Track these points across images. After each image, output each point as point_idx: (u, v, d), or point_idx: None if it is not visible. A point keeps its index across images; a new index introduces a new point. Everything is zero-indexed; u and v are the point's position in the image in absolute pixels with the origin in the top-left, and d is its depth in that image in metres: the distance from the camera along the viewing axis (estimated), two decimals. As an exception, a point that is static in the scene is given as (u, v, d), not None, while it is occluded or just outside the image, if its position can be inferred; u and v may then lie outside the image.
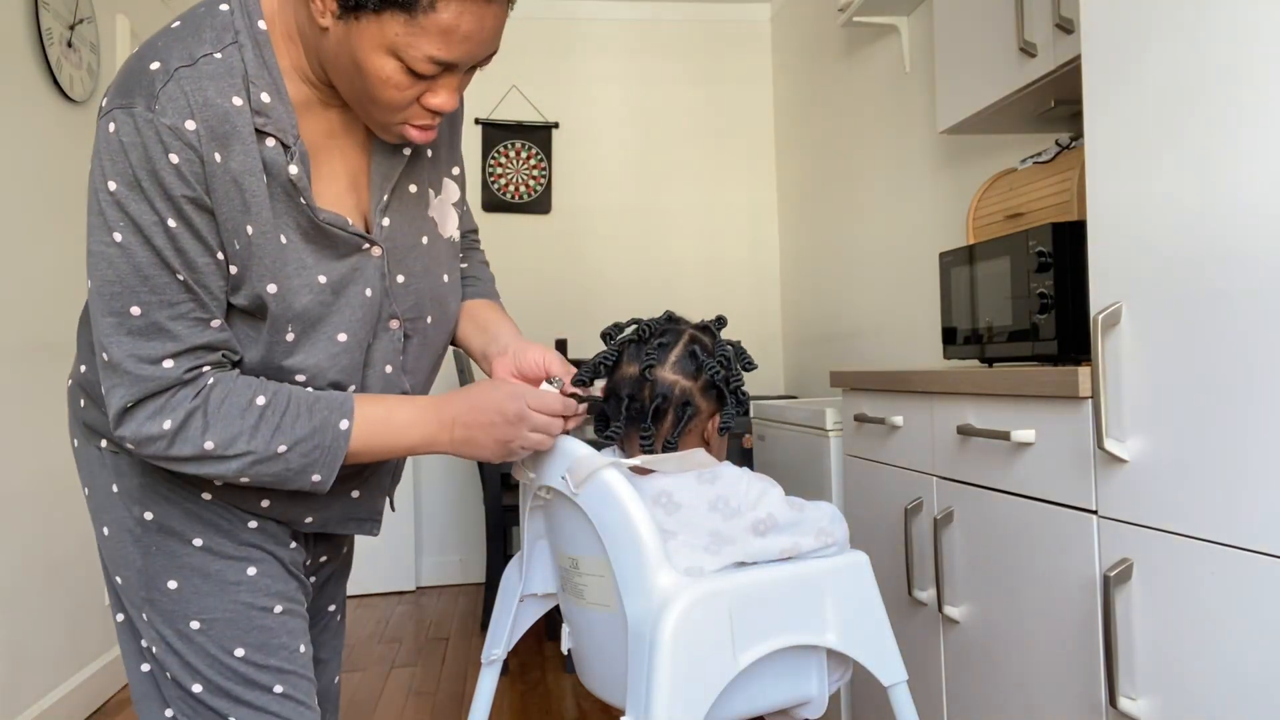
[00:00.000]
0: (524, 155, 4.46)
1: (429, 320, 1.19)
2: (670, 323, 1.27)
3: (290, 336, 1.06)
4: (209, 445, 1.00)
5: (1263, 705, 1.02)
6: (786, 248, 4.55)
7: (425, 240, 1.17)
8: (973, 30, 2.06)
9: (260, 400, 1.02)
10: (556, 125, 4.47)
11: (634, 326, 1.26)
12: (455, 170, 1.25)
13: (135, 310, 0.97)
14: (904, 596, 1.85)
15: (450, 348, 1.40)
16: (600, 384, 1.25)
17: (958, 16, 2.13)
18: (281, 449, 1.02)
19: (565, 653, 1.39)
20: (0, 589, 2.46)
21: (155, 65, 0.96)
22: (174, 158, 0.95)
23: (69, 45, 2.88)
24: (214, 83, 0.97)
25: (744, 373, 1.27)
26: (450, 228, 1.22)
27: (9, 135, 2.57)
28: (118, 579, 1.13)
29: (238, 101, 0.98)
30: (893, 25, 3.09)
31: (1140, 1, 1.16)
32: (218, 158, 0.97)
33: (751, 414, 2.95)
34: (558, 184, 4.53)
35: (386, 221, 1.12)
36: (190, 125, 0.95)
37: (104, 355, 0.99)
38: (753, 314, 4.65)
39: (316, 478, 1.05)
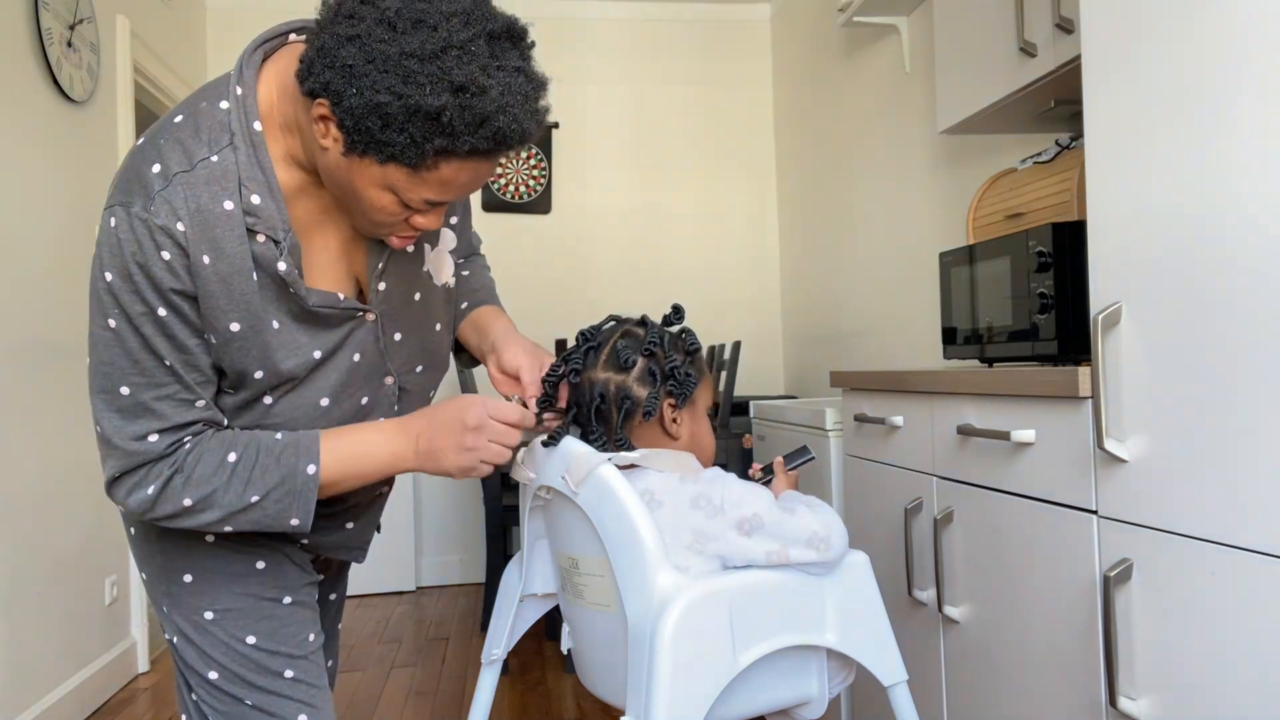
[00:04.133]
0: (524, 155, 4.46)
1: (419, 370, 1.26)
2: (609, 324, 1.28)
3: (269, 401, 1.13)
4: (188, 502, 1.07)
5: (1263, 705, 1.02)
6: (786, 248, 4.55)
7: (419, 296, 1.23)
8: (973, 30, 2.06)
9: (231, 457, 1.08)
10: (556, 125, 4.47)
11: (609, 325, 1.28)
12: (453, 219, 1.30)
13: (124, 390, 1.05)
14: (904, 596, 1.85)
15: (457, 370, 1.45)
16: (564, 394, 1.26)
17: (958, 16, 2.13)
18: (255, 499, 1.08)
19: (565, 653, 1.39)
20: (0, 589, 2.46)
21: (156, 169, 1.02)
22: (165, 254, 1.01)
23: (69, 45, 2.88)
24: (208, 188, 1.02)
25: (689, 351, 1.27)
26: (446, 274, 1.27)
27: (9, 135, 2.57)
28: (143, 574, 1.22)
29: (229, 205, 1.03)
30: (893, 25, 3.09)
31: (1140, 1, 1.16)
32: (206, 260, 1.03)
33: (751, 414, 2.94)
34: (558, 184, 4.53)
35: (383, 286, 1.17)
36: (180, 227, 1.01)
37: (97, 428, 1.07)
38: (753, 314, 4.65)
39: (295, 521, 1.11)
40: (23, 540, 2.58)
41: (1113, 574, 1.20)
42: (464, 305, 1.38)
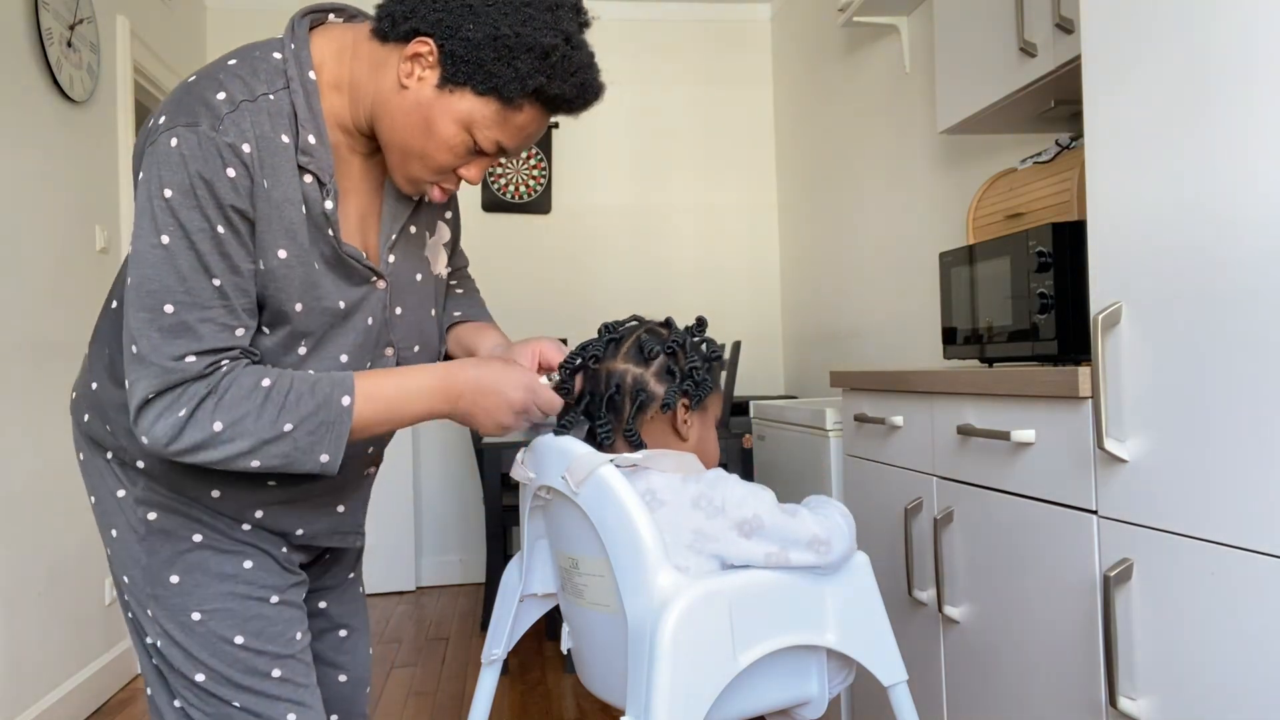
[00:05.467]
0: (524, 155, 4.46)
1: (416, 349, 1.28)
2: (633, 321, 1.30)
3: (303, 350, 1.15)
4: (217, 427, 1.05)
5: (1263, 705, 1.02)
6: (786, 248, 4.55)
7: (419, 278, 1.27)
8: (973, 30, 2.06)
9: (266, 382, 1.08)
10: (556, 125, 4.47)
11: (632, 323, 1.28)
12: (449, 214, 1.34)
13: (169, 309, 1.04)
14: (904, 596, 1.85)
15: None
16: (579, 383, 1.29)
17: (958, 16, 2.13)
18: (287, 427, 1.07)
19: (565, 653, 1.39)
20: (0, 589, 2.46)
21: (221, 95, 1.06)
22: (231, 171, 1.04)
23: (69, 45, 2.88)
24: (270, 119, 1.08)
25: (709, 358, 1.28)
26: (440, 266, 1.32)
27: (9, 135, 2.57)
28: (125, 578, 1.19)
29: (285, 139, 1.09)
30: (893, 25, 3.09)
31: (1140, 1, 1.16)
32: (265, 184, 1.07)
33: (751, 414, 2.95)
34: (558, 184, 4.53)
35: (392, 258, 1.22)
36: (247, 149, 1.05)
37: (133, 348, 1.06)
38: (753, 314, 4.65)
39: (324, 457, 1.10)
40: (23, 540, 2.58)
41: (1113, 574, 1.20)
42: (457, 314, 1.40)
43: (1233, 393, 1.04)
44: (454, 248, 1.37)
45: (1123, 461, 1.20)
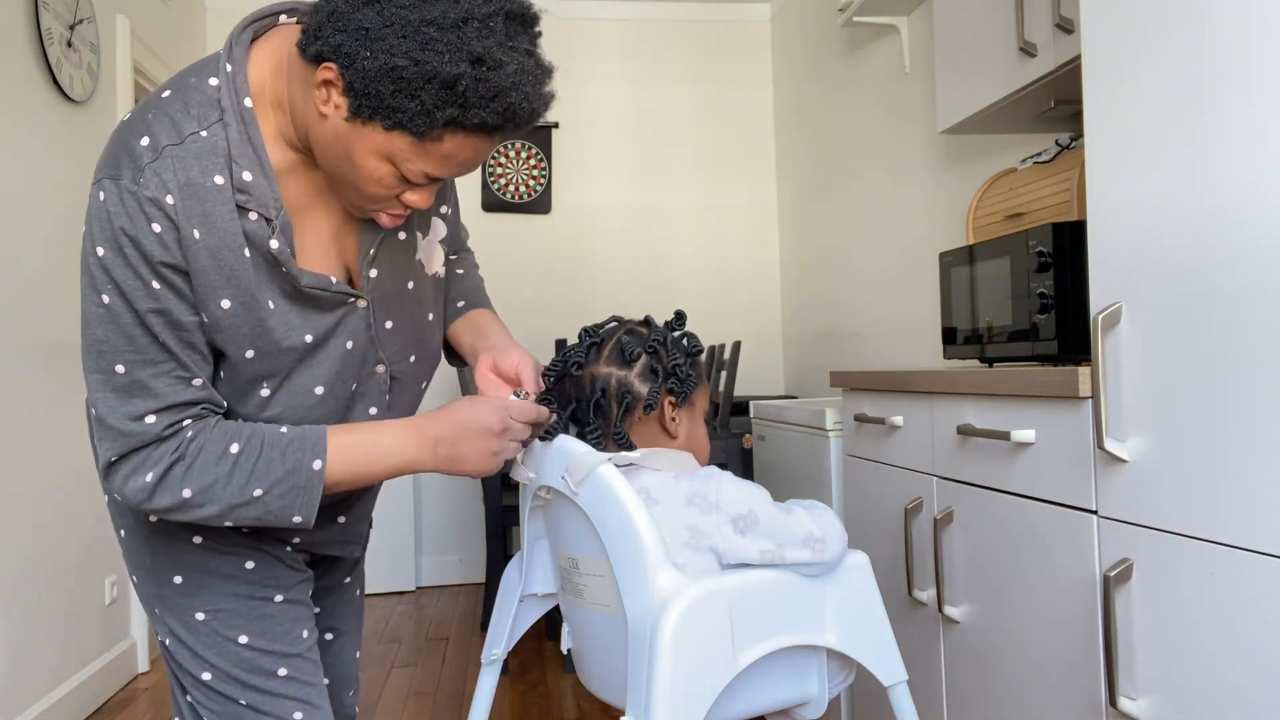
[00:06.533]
0: (524, 155, 4.46)
1: (412, 359, 1.24)
2: (612, 323, 1.29)
3: (265, 392, 1.11)
4: (187, 494, 1.04)
5: (1262, 705, 1.02)
6: (786, 247, 4.55)
7: (411, 285, 1.21)
8: (973, 30, 2.06)
9: (234, 448, 1.05)
10: (556, 125, 4.47)
11: (612, 324, 1.28)
12: (444, 209, 1.29)
13: (120, 368, 1.02)
14: (904, 596, 1.85)
15: (451, 367, 1.43)
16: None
17: (958, 16, 2.13)
18: (257, 493, 1.06)
19: (565, 653, 1.39)
20: (0, 589, 2.46)
21: (145, 141, 1.01)
22: (156, 227, 1.00)
23: (69, 45, 2.88)
24: (198, 162, 1.01)
25: (691, 353, 1.27)
26: (436, 264, 1.26)
27: (9, 135, 2.57)
28: (134, 578, 1.20)
29: (219, 180, 1.02)
30: (893, 25, 3.09)
31: (1140, 1, 1.16)
32: (196, 234, 1.01)
33: (751, 414, 2.95)
34: (558, 184, 4.53)
35: (374, 273, 1.16)
36: (170, 200, 1.00)
37: (92, 410, 1.05)
38: (753, 314, 4.65)
39: (298, 519, 1.08)
40: (23, 540, 2.58)
41: (1113, 574, 1.20)
42: (460, 304, 1.37)
43: (1233, 392, 1.04)
44: (454, 229, 1.33)
45: (1123, 461, 1.20)
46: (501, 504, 3.52)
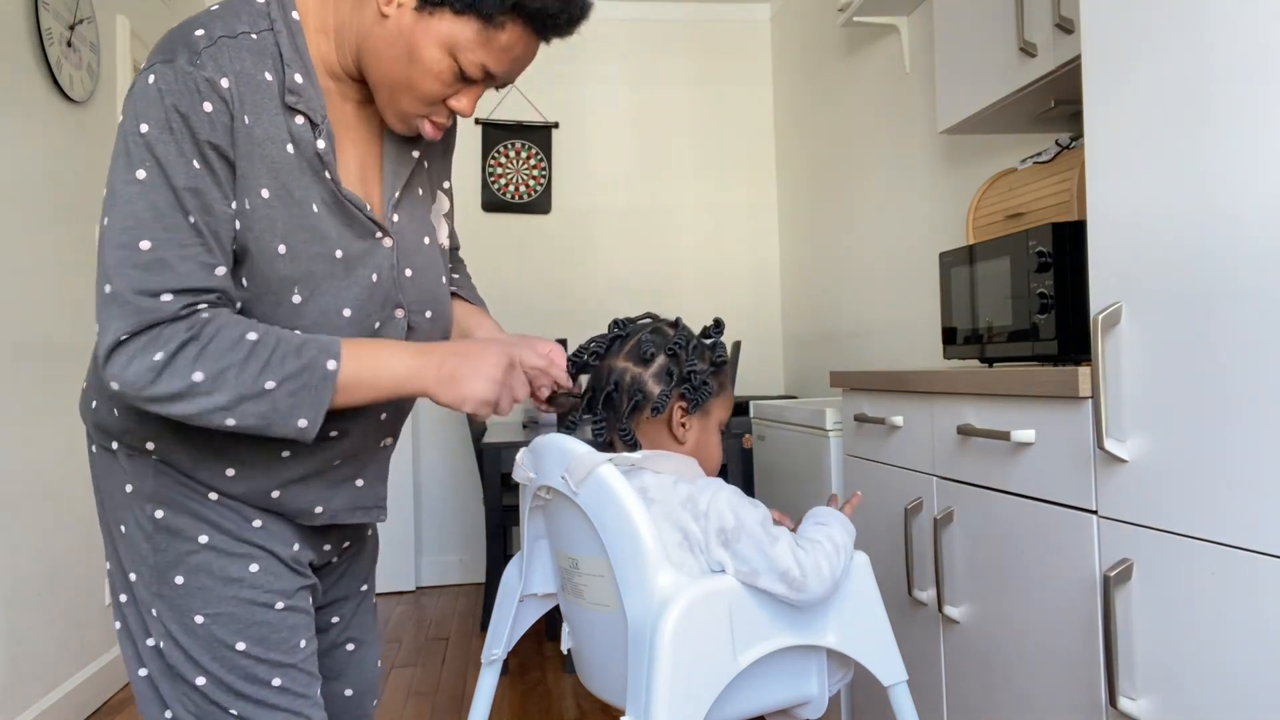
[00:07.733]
0: (524, 155, 4.46)
1: (428, 315, 1.23)
2: (645, 319, 1.30)
3: (297, 299, 1.10)
4: (198, 377, 1.01)
5: (1263, 705, 1.02)
6: (786, 247, 4.55)
7: (427, 241, 1.23)
8: (973, 30, 2.06)
9: (252, 335, 1.04)
10: (556, 125, 4.47)
11: (644, 320, 1.29)
12: (446, 184, 1.32)
13: (145, 245, 1.01)
14: (904, 596, 1.85)
15: None
16: (584, 380, 1.29)
17: (958, 16, 2.13)
18: (269, 385, 1.03)
19: (565, 653, 1.39)
20: (0, 589, 2.46)
21: (200, 32, 1.04)
22: (208, 106, 1.02)
23: (69, 45, 2.88)
24: (251, 56, 1.06)
25: (716, 363, 1.27)
26: (443, 236, 1.29)
27: (9, 135, 2.57)
28: (132, 575, 1.17)
29: (269, 77, 1.06)
30: (893, 25, 3.09)
31: (1140, 1, 1.16)
32: (246, 120, 1.04)
33: (751, 414, 2.95)
34: (558, 184, 4.53)
35: (397, 217, 1.19)
36: (225, 83, 1.03)
37: (106, 288, 1.01)
38: (753, 314, 4.65)
39: (302, 422, 1.05)
40: (22, 540, 2.58)
41: (1113, 574, 1.20)
42: (453, 289, 1.38)
43: (1233, 392, 1.04)
44: (451, 226, 1.35)
45: (1123, 461, 1.20)
46: (501, 504, 3.52)
